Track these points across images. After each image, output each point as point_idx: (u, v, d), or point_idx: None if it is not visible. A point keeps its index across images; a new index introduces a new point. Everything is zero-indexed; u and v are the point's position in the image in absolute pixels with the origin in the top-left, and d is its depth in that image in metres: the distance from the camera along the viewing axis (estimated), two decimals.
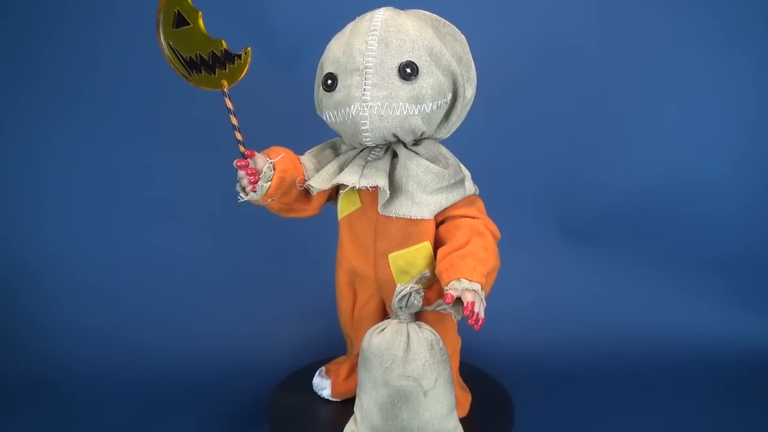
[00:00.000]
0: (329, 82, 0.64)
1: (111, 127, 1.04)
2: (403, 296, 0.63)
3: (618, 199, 1.13)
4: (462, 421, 0.69)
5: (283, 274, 1.06)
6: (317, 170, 0.68)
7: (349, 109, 0.62)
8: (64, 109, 1.03)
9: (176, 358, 0.95)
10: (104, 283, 1.02)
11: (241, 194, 0.65)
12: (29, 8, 1.00)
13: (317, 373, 0.78)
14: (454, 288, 0.59)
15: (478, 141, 1.09)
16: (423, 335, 0.64)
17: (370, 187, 0.63)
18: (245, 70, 0.65)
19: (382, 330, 0.64)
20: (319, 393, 0.77)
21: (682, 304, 1.08)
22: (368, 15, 0.64)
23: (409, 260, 0.67)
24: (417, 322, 0.66)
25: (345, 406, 0.74)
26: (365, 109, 0.61)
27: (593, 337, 1.03)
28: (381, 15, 0.63)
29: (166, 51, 0.60)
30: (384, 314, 0.74)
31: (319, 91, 0.66)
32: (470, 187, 0.68)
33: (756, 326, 1.05)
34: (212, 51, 0.63)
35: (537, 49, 1.08)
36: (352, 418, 0.67)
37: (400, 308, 0.64)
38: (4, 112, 1.02)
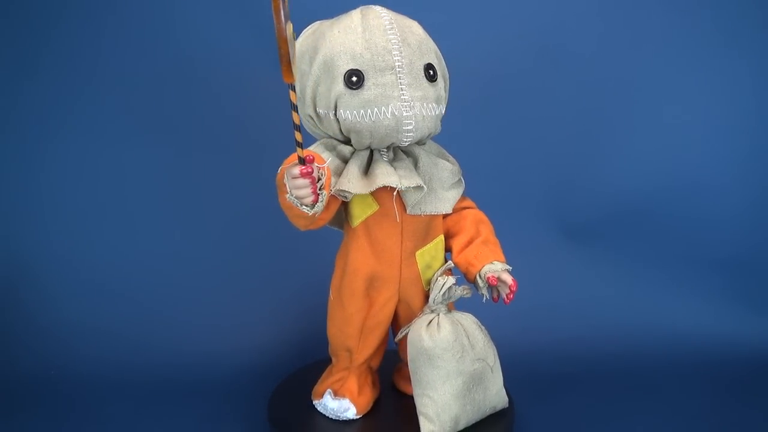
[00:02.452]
0: (354, 79, 0.60)
1: (112, 127, 1.04)
2: (446, 289, 0.67)
3: (618, 200, 1.13)
4: None
5: (283, 274, 1.06)
6: (332, 175, 0.64)
7: (387, 108, 0.60)
8: (64, 108, 1.03)
9: (176, 358, 0.95)
10: (104, 282, 1.02)
11: (303, 208, 0.58)
12: (29, 8, 1.00)
13: (327, 397, 0.73)
14: (493, 271, 0.67)
15: (479, 142, 1.09)
16: (470, 319, 0.71)
17: (413, 187, 0.64)
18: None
19: (438, 325, 0.67)
20: (342, 416, 0.72)
21: (682, 305, 1.08)
22: (370, 12, 0.63)
23: (433, 254, 0.71)
24: (456, 310, 0.71)
25: None
26: (408, 108, 0.61)
27: (593, 338, 1.03)
28: (386, 13, 0.63)
29: (285, 32, 0.50)
30: (392, 317, 0.73)
31: (333, 88, 0.61)
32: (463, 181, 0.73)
33: (756, 326, 1.05)
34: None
35: (536, 51, 1.08)
36: (423, 420, 0.67)
37: (442, 301, 0.68)
38: (4, 112, 1.02)
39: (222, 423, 0.82)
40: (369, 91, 0.60)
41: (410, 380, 0.78)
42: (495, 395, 0.71)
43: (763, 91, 1.10)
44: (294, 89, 0.55)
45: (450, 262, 0.72)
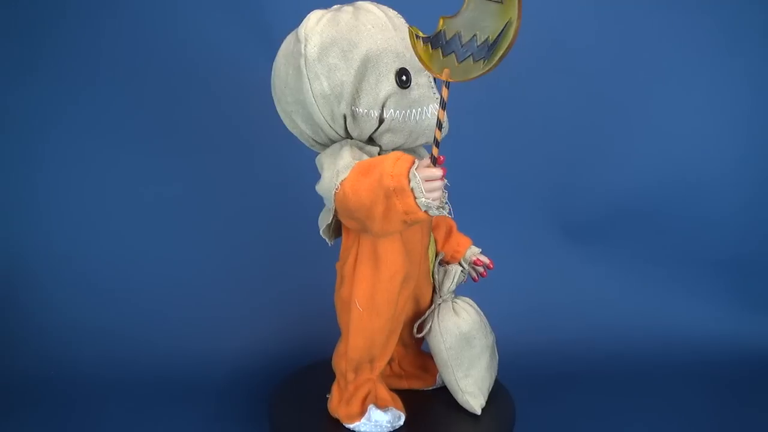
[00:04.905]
0: (404, 78, 0.60)
1: (111, 126, 1.04)
2: (457, 277, 0.72)
3: (618, 199, 1.13)
4: (461, 421, 0.73)
5: (283, 275, 1.06)
6: None
7: (427, 108, 0.62)
8: (63, 108, 1.02)
9: (176, 358, 0.95)
10: (104, 283, 1.02)
11: (440, 211, 0.56)
12: (29, 7, 0.99)
13: (375, 411, 0.68)
14: (474, 254, 0.76)
15: (479, 142, 1.09)
16: (470, 300, 0.75)
17: None
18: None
19: (463, 310, 0.72)
20: (396, 425, 0.69)
21: (682, 305, 1.08)
22: (387, 10, 0.62)
23: (433, 247, 0.74)
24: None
25: None
26: None
27: (594, 338, 1.03)
28: (395, 12, 0.63)
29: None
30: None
31: (381, 87, 0.59)
32: None
33: (756, 326, 1.05)
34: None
35: (537, 51, 1.08)
36: (469, 398, 0.72)
37: (454, 289, 0.73)
38: (3, 111, 1.02)
39: (222, 423, 0.82)
40: (414, 91, 0.61)
41: (400, 375, 0.79)
42: (497, 359, 0.78)
43: (763, 91, 1.10)
44: (447, 86, 0.54)
45: (442, 252, 0.75)
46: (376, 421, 0.68)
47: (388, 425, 0.68)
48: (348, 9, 0.62)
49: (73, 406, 0.86)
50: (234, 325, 1.01)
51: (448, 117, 0.65)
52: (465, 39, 0.51)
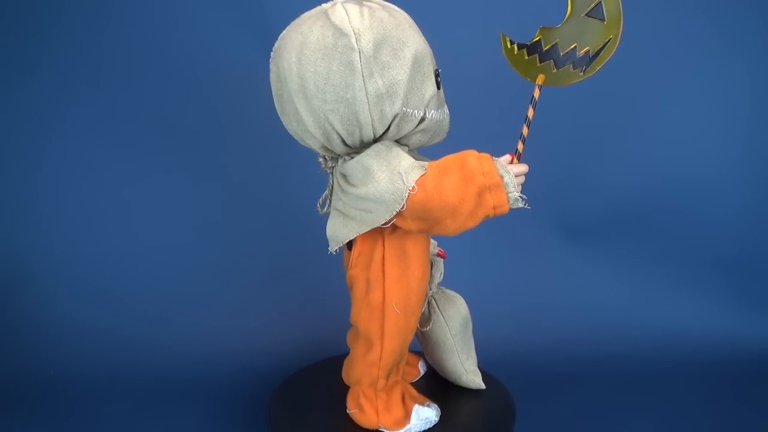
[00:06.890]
0: (439, 79, 0.61)
1: (112, 127, 1.04)
2: (442, 269, 0.74)
3: (618, 199, 1.12)
4: (463, 421, 0.72)
5: (284, 274, 1.06)
6: None
7: (444, 108, 0.64)
8: (64, 108, 1.03)
9: (176, 358, 0.95)
10: (104, 283, 1.02)
11: (521, 203, 0.58)
12: (29, 6, 0.99)
13: (422, 409, 0.69)
14: (435, 246, 0.74)
15: (478, 141, 1.09)
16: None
17: None
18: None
19: (456, 297, 0.75)
20: (439, 416, 0.70)
21: (682, 304, 1.08)
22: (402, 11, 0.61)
23: None
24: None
25: (343, 406, 0.73)
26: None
27: (593, 338, 1.03)
28: None
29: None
30: None
31: (426, 88, 0.59)
32: None
33: (756, 326, 1.05)
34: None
35: None
36: (472, 377, 0.76)
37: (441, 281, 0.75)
38: (3, 111, 1.02)
39: (222, 423, 0.82)
40: (441, 91, 0.62)
41: None
42: None
43: (763, 91, 1.10)
44: (540, 89, 0.60)
45: None
46: (426, 418, 0.68)
47: (436, 419, 0.69)
48: (375, 6, 0.57)
49: (73, 406, 0.86)
50: (234, 326, 1.01)
51: (451, 117, 0.66)
52: (564, 49, 0.59)
